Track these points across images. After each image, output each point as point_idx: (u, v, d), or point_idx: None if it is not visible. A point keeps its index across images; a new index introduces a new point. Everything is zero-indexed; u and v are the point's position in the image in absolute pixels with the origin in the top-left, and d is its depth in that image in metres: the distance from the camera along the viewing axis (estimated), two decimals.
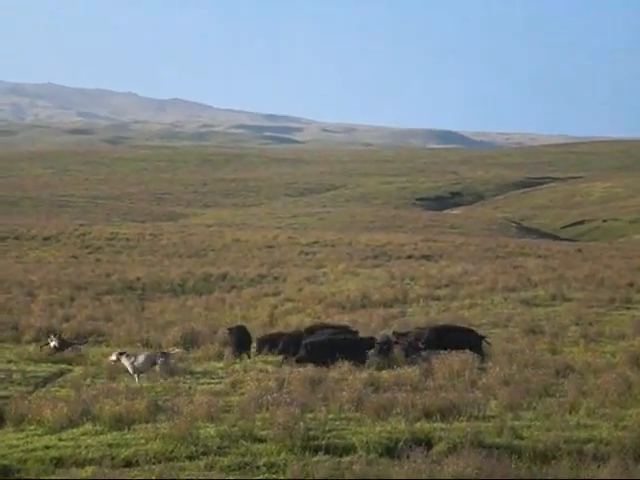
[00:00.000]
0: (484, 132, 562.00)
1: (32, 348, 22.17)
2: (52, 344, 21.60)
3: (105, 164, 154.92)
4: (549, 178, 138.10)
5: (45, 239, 58.06)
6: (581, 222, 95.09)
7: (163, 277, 40.70)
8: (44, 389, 17.50)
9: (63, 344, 21.78)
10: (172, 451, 12.57)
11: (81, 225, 65.62)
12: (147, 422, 14.19)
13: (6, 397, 16.40)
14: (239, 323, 24.86)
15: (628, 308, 29.93)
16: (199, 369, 20.40)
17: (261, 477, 11.73)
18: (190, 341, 23.54)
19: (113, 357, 19.23)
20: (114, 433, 13.63)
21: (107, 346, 23.38)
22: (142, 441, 13.05)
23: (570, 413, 14.79)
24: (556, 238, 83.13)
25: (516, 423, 14.05)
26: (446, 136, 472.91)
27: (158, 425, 13.71)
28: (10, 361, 20.65)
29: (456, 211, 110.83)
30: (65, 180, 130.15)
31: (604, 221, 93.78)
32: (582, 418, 14.44)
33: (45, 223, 67.92)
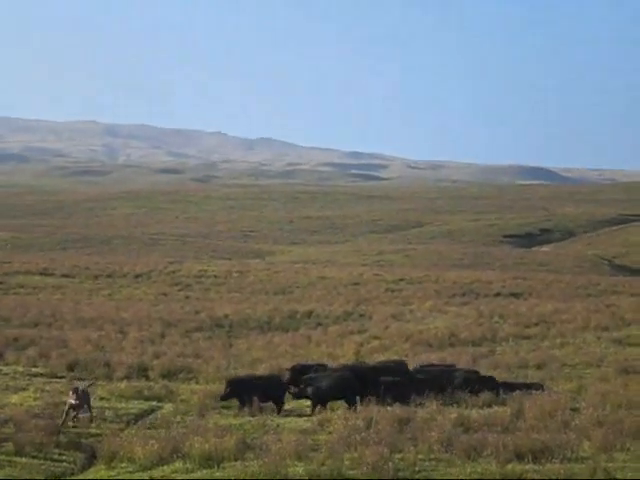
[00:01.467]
0: (575, 168, 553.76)
1: (124, 385, 22.56)
2: (70, 401, 17.99)
3: (194, 202, 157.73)
4: None
5: (136, 277, 59.29)
6: None
7: (250, 314, 41.06)
8: (135, 426, 17.76)
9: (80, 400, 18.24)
10: None
11: (171, 263, 66.84)
12: (236, 460, 14.26)
13: (98, 434, 16.70)
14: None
15: None
16: (286, 406, 20.46)
17: None
18: None
19: None
20: (204, 471, 13.73)
21: (197, 383, 23.63)
22: (232, 479, 13.12)
23: None
24: None
25: (610, 465, 13.70)
26: (535, 172, 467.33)
27: (247, 463, 13.77)
28: (102, 398, 21.02)
29: (545, 248, 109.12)
30: (156, 218, 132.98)
31: None
32: None
33: (136, 261, 69.38)
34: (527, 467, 13.52)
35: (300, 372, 21.21)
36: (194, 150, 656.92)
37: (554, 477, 12.64)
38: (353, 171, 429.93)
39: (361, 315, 41.96)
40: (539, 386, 21.20)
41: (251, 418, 18.51)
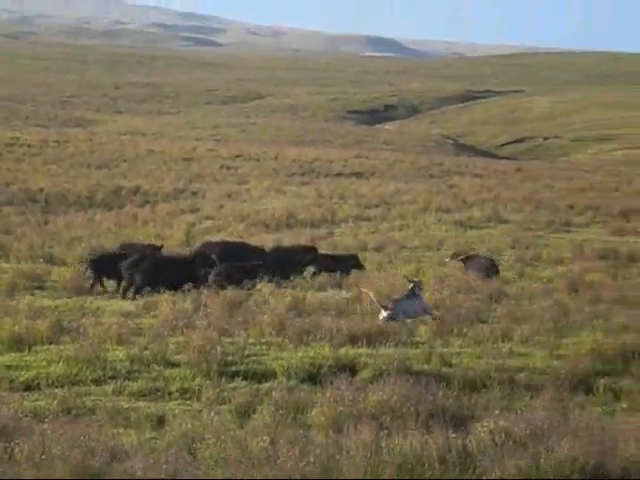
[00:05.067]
0: (423, 40, 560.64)
1: None
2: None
3: (5, 61, 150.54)
4: (490, 92, 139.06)
5: None
6: (521, 140, 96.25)
7: (69, 189, 40.20)
8: None
9: None
10: (77, 374, 12.53)
11: None
12: (50, 344, 14.13)
13: None
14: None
15: (567, 231, 30.63)
16: (108, 288, 20.33)
17: (173, 403, 11.81)
18: None
19: None
20: (12, 354, 13.53)
21: (6, 261, 23.11)
22: (44, 363, 12.97)
23: (503, 341, 15.06)
24: (494, 156, 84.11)
25: (445, 350, 14.30)
26: (382, 44, 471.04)
27: (62, 347, 13.65)
28: None
29: (389, 126, 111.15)
30: None
31: (545, 139, 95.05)
32: (515, 346, 14.74)
33: None
34: (360, 351, 13.98)
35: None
36: (4, 1, 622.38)
37: (387, 361, 13.11)
38: (186, 34, 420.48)
39: (193, 193, 41.80)
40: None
41: (68, 300, 18.31)
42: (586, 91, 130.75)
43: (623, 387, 12.70)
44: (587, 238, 29.06)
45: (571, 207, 34.96)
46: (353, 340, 14.57)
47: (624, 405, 12.13)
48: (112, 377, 12.51)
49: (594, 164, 71.47)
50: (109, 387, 12.18)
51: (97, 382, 12.40)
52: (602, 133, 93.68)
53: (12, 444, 9.32)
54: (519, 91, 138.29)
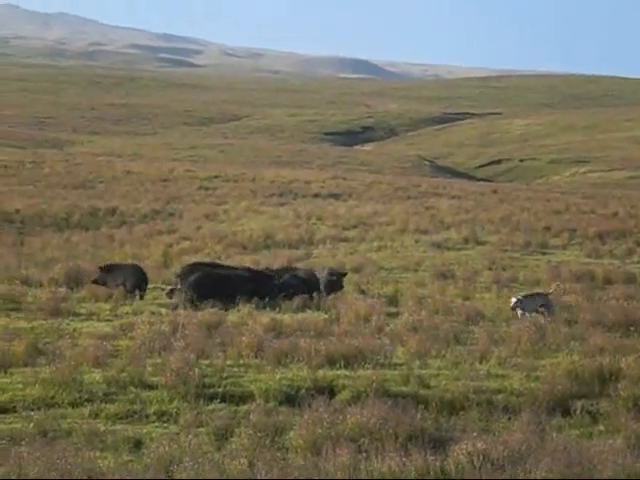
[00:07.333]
0: (399, 62, 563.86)
1: None
2: None
3: None
4: (467, 114, 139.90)
5: None
6: (498, 161, 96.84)
7: (45, 210, 40.03)
8: None
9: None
10: (53, 397, 12.45)
11: None
12: (26, 366, 14.02)
13: None
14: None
15: (544, 253, 30.75)
16: (84, 310, 20.21)
17: (151, 425, 11.74)
18: (75, 280, 23.26)
19: None
20: None
21: None
22: (20, 386, 12.88)
23: (480, 362, 15.08)
24: (471, 178, 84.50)
25: (424, 371, 14.28)
26: (359, 66, 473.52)
27: (38, 369, 13.55)
28: None
29: (367, 147, 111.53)
30: None
31: (521, 161, 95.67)
32: (493, 367, 14.74)
33: None
34: (339, 372, 13.96)
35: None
36: None
37: (366, 383, 13.09)
38: (163, 55, 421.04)
39: (171, 214, 41.70)
40: None
41: (44, 321, 18.18)
42: (562, 113, 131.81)
43: (600, 409, 12.75)
44: (563, 260, 29.19)
45: (547, 229, 35.11)
46: (331, 362, 14.55)
47: (601, 427, 12.16)
48: (89, 400, 12.43)
49: (570, 186, 71.94)
50: (86, 410, 12.10)
51: (74, 405, 12.32)
52: (578, 155, 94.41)
53: None
54: (496, 113, 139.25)
